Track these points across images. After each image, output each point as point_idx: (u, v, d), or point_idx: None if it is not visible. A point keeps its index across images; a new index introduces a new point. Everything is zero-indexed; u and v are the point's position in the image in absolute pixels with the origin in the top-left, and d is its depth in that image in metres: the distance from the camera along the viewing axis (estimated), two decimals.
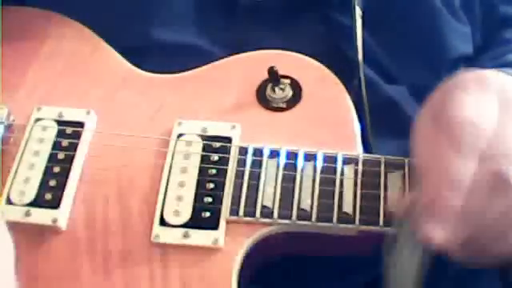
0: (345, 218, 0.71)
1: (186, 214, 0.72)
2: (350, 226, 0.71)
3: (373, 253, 0.73)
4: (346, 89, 0.79)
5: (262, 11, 0.84)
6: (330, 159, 0.74)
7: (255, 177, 0.73)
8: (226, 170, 0.74)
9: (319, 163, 0.74)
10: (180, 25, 0.84)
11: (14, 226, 0.71)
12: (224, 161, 0.74)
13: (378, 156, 0.74)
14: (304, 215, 0.72)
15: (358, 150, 0.75)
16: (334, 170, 0.73)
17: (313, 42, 0.83)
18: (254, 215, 0.72)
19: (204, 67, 0.82)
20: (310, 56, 0.81)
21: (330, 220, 0.71)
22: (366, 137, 0.78)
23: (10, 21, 0.84)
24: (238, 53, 0.82)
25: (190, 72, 0.82)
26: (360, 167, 0.73)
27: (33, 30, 0.84)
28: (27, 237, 0.73)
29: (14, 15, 0.85)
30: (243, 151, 0.75)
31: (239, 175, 0.74)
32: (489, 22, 0.88)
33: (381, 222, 0.71)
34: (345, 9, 0.83)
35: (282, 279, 0.77)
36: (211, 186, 0.73)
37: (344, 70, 0.81)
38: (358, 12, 0.81)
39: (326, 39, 0.84)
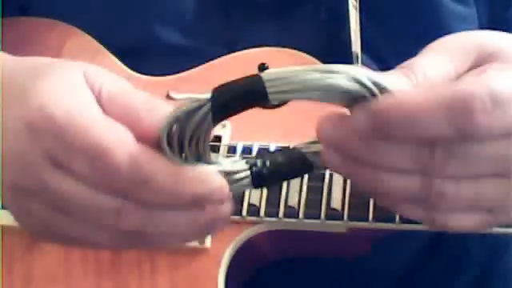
0: (333, 215, 0.70)
1: None
2: (338, 222, 0.70)
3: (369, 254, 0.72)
4: None
5: (258, 6, 0.83)
6: None
7: None
8: None
9: None
10: (180, 24, 0.84)
11: (9, 230, 0.73)
12: None
13: None
14: (291, 212, 0.71)
15: None
16: None
17: (310, 34, 0.81)
18: (240, 214, 0.71)
19: (200, 67, 0.81)
20: (308, 48, 0.79)
21: (317, 217, 0.70)
22: None
23: (12, 32, 0.85)
24: (234, 50, 0.81)
25: (186, 73, 0.81)
26: None
27: (33, 40, 0.85)
28: (22, 240, 0.74)
29: (16, 26, 0.86)
30: (232, 149, 0.74)
31: None
32: (496, 2, 0.85)
33: (370, 218, 0.69)
34: None
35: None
36: None
37: (344, 59, 0.79)
38: (352, 2, 0.79)
39: (324, 30, 0.82)
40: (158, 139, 0.55)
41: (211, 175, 0.55)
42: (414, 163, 0.53)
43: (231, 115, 0.55)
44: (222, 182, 0.55)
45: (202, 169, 0.55)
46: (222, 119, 0.55)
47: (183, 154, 0.55)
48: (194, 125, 0.54)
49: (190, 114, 0.54)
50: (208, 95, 0.54)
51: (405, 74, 0.55)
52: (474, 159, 0.53)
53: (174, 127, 0.55)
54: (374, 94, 0.53)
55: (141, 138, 0.55)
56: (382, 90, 0.53)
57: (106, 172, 0.54)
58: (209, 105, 0.54)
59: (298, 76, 0.53)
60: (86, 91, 0.57)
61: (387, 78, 0.54)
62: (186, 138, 0.55)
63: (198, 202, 0.55)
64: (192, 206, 0.55)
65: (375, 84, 0.53)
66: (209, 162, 0.56)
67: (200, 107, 0.54)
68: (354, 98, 0.53)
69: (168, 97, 0.80)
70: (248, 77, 0.54)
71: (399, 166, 0.54)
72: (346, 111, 0.55)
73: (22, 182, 0.57)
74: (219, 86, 0.54)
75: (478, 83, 0.53)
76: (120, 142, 0.54)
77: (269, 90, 0.53)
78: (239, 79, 0.54)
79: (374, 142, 0.53)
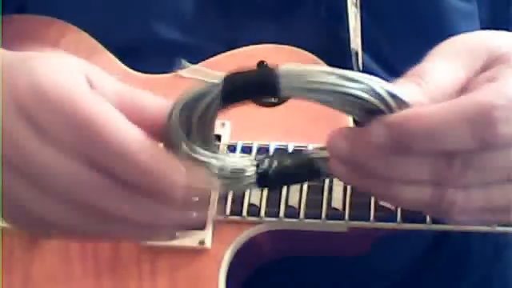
0: (334, 214, 0.70)
1: None
2: (339, 222, 0.70)
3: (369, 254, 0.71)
4: None
5: (258, 6, 0.82)
6: None
7: None
8: None
9: None
10: (179, 23, 0.83)
11: (9, 231, 0.72)
12: None
13: None
14: (292, 212, 0.70)
15: None
16: None
17: (310, 34, 0.81)
18: (240, 214, 0.71)
19: (199, 65, 0.81)
20: (308, 47, 0.79)
21: (318, 216, 0.70)
22: None
23: (10, 30, 0.85)
24: (233, 48, 0.81)
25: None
26: None
27: (30, 38, 0.84)
28: (22, 240, 0.74)
29: (12, 24, 0.86)
30: (231, 149, 0.74)
31: None
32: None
33: (372, 217, 0.69)
34: None
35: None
36: None
37: (343, 59, 0.79)
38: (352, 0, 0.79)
39: (324, 29, 0.81)
40: (165, 126, 0.54)
41: (180, 171, 0.54)
42: (429, 175, 0.53)
43: (239, 103, 0.54)
44: (181, 180, 0.54)
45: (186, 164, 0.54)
46: (229, 105, 0.54)
47: (187, 143, 0.54)
48: (202, 107, 0.53)
49: (200, 96, 0.54)
50: (219, 79, 0.53)
51: (416, 83, 0.54)
52: (488, 168, 0.53)
53: (182, 112, 0.54)
54: (390, 108, 0.52)
55: (147, 126, 0.55)
56: (399, 103, 0.52)
57: (84, 140, 0.54)
58: (219, 89, 0.53)
59: (314, 76, 0.52)
60: (79, 75, 0.56)
61: (401, 89, 0.53)
62: (193, 122, 0.54)
63: (154, 183, 0.54)
64: (155, 197, 0.54)
65: (393, 97, 0.52)
66: (214, 152, 0.56)
67: (210, 91, 0.53)
68: (367, 110, 0.52)
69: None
70: (263, 68, 0.53)
71: (413, 177, 0.53)
72: (350, 123, 0.54)
73: (6, 153, 0.56)
74: (232, 73, 0.53)
75: (495, 92, 0.52)
76: (107, 112, 0.54)
77: (281, 85, 0.52)
78: (253, 69, 0.53)
79: (389, 155, 0.52)
